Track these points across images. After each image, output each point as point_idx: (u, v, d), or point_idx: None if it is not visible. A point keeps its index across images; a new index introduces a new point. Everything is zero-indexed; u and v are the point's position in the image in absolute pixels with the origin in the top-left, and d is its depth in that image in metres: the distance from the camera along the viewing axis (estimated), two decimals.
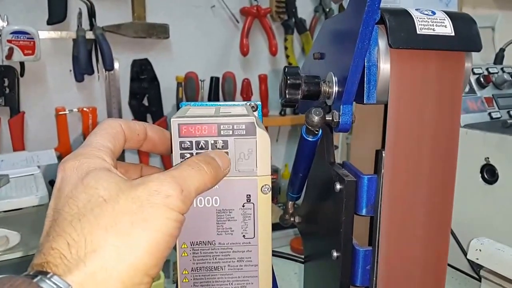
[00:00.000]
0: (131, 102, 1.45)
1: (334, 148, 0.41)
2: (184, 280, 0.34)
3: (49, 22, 1.25)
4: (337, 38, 0.38)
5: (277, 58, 1.64)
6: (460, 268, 0.74)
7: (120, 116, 1.41)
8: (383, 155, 0.33)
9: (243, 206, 0.33)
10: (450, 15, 0.33)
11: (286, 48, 1.62)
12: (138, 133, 0.32)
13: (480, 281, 0.58)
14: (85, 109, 1.35)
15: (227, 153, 0.31)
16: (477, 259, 0.54)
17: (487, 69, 0.86)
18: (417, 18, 0.32)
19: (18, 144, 1.24)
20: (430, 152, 0.33)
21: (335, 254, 0.37)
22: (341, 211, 0.35)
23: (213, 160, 0.30)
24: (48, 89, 1.34)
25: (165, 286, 0.64)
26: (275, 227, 0.43)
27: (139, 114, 1.46)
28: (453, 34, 0.32)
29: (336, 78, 0.35)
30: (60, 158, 1.12)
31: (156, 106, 1.47)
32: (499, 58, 0.97)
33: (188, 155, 0.31)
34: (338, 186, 0.36)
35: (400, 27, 0.31)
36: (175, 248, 0.32)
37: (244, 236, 0.33)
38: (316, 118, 0.35)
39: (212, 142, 0.31)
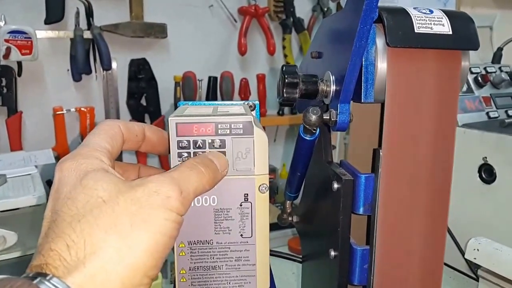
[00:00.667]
0: (129, 102, 1.45)
1: (331, 147, 0.41)
2: (181, 280, 0.34)
3: (47, 22, 1.25)
4: (335, 37, 0.38)
5: (275, 57, 1.64)
6: (457, 267, 0.74)
7: (118, 116, 1.41)
8: (381, 153, 0.33)
9: (241, 205, 0.33)
10: (448, 13, 0.33)
11: (284, 47, 1.63)
12: (136, 134, 0.32)
13: (477, 280, 0.58)
14: (82, 108, 1.35)
15: (224, 152, 0.31)
16: (475, 258, 0.54)
17: (485, 68, 0.86)
18: (415, 16, 0.32)
19: (16, 143, 1.24)
20: (427, 151, 0.33)
21: (332, 253, 0.37)
22: (339, 210, 0.35)
23: (211, 162, 0.30)
24: (46, 89, 1.34)
25: (162, 287, 0.64)
26: (273, 227, 0.43)
27: (137, 114, 1.46)
28: (450, 32, 0.32)
29: (333, 77, 0.35)
30: (57, 158, 1.12)
31: (154, 105, 1.47)
32: (497, 57, 0.96)
33: (186, 154, 0.31)
34: (335, 185, 0.35)
35: (398, 25, 0.31)
36: (173, 248, 0.32)
37: (241, 235, 0.33)
38: (313, 117, 0.34)
39: (210, 141, 0.31)
